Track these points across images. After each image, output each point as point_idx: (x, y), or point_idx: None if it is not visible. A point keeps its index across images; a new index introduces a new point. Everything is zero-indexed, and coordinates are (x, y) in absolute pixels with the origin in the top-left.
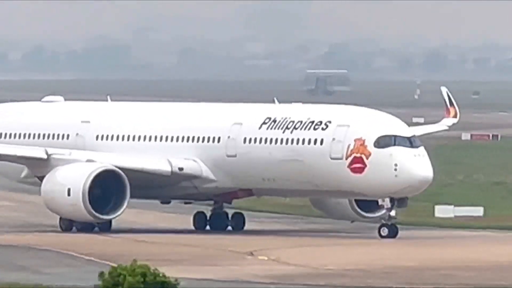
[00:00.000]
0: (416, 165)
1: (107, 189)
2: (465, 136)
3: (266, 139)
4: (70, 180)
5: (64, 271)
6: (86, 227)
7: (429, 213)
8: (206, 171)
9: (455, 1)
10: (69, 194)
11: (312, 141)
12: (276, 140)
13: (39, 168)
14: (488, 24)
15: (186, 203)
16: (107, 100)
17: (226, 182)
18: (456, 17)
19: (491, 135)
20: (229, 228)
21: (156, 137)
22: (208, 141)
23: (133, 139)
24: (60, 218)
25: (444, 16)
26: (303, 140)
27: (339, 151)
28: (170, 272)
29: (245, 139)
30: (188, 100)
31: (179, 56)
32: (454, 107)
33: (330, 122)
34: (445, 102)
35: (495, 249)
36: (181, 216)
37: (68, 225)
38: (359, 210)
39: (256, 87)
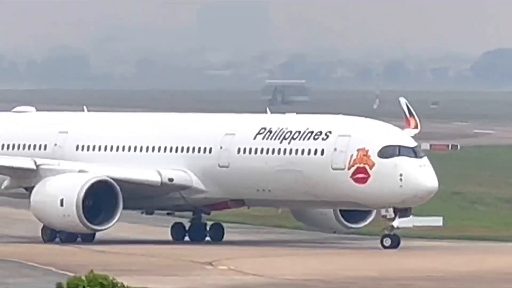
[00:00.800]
0: (422, 175)
1: (98, 199)
2: (424, 146)
3: (262, 149)
4: (63, 190)
5: (23, 281)
6: (70, 238)
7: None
8: (196, 182)
9: (414, 11)
10: (62, 205)
11: (312, 151)
12: (273, 150)
13: (26, 178)
14: (446, 34)
15: (168, 214)
16: (82, 111)
17: (216, 192)
18: (415, 28)
19: (450, 145)
20: (208, 238)
21: (143, 148)
22: (199, 151)
23: (118, 150)
24: (43, 229)
25: (402, 26)
26: (302, 150)
27: (341, 161)
28: (129, 282)
29: (239, 149)
30: (148, 110)
31: (137, 66)
32: (414, 118)
33: (330, 132)
34: (405, 112)
35: (454, 259)
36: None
37: (50, 235)
38: (343, 221)
39: (216, 97)
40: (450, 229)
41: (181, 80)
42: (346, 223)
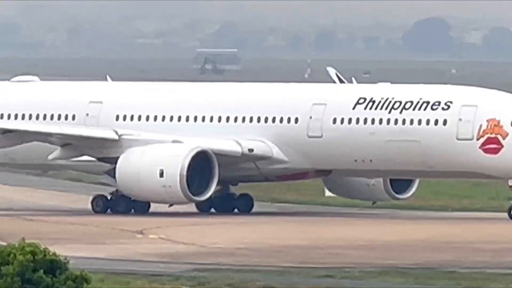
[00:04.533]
0: None
1: (192, 170)
2: None
3: (365, 119)
4: (163, 161)
5: None
6: (125, 210)
7: (319, 192)
8: (277, 152)
9: None
10: (161, 176)
11: (432, 122)
12: (381, 120)
13: (102, 148)
14: (377, 3)
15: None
16: (106, 80)
17: (300, 163)
18: None
19: None
20: (236, 210)
21: (214, 118)
22: (281, 121)
23: (181, 120)
24: (94, 199)
25: None
26: (419, 120)
27: (468, 131)
28: (60, 250)
29: (334, 119)
30: (81, 78)
31: (68, 34)
32: None
33: (451, 102)
34: (334, 82)
35: (384, 228)
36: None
37: (103, 207)
38: (392, 191)
39: (147, 66)
40: None
41: (112, 49)
42: (394, 193)
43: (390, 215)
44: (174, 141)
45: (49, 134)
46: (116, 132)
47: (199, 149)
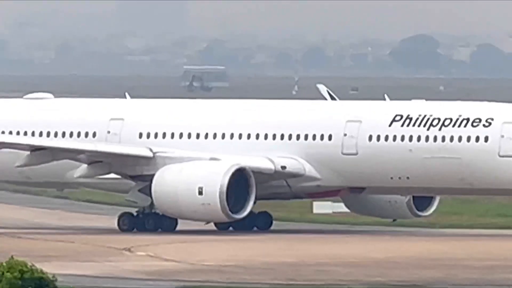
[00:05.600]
0: None
1: (229, 188)
2: None
3: (402, 137)
4: (202, 178)
5: None
6: (154, 227)
7: (307, 209)
8: (309, 169)
9: None
10: (200, 193)
11: (473, 138)
12: (419, 137)
13: (135, 166)
14: (365, 20)
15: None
16: (125, 97)
17: (332, 180)
18: (334, 14)
19: None
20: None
21: (244, 135)
22: (314, 138)
23: (207, 137)
24: (120, 217)
25: (322, 12)
26: (460, 137)
27: (511, 148)
28: (48, 268)
29: (370, 136)
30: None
31: (57, 51)
32: None
33: (492, 119)
34: (326, 99)
35: (373, 245)
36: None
37: (129, 225)
38: (414, 208)
39: (136, 83)
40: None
41: (100, 66)
42: (416, 211)
43: (378, 232)
44: (211, 159)
45: (82, 151)
46: (151, 150)
47: (238, 166)
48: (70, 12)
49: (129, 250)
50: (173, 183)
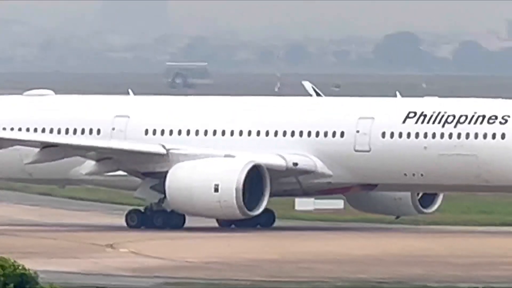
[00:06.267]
0: None
1: (244, 185)
2: None
3: (417, 134)
4: (218, 175)
5: None
6: (162, 224)
7: (289, 206)
8: (321, 166)
9: None
10: (216, 191)
11: (489, 136)
12: (434, 134)
13: (151, 164)
14: (348, 17)
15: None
16: (128, 94)
17: (344, 177)
18: (316, 10)
19: None
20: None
21: (253, 132)
22: (325, 135)
23: (216, 134)
24: (128, 213)
25: (304, 9)
26: (476, 134)
27: None
28: (30, 264)
29: (383, 133)
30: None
31: (39, 48)
32: None
33: (509, 116)
34: (311, 96)
35: (355, 242)
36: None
37: (138, 221)
38: (419, 206)
39: (118, 80)
40: (350, 212)
41: (83, 63)
42: (421, 208)
43: (360, 230)
44: (226, 156)
45: (95, 148)
46: (164, 147)
47: (253, 163)
48: (53, 10)
49: (111, 246)
50: (188, 180)
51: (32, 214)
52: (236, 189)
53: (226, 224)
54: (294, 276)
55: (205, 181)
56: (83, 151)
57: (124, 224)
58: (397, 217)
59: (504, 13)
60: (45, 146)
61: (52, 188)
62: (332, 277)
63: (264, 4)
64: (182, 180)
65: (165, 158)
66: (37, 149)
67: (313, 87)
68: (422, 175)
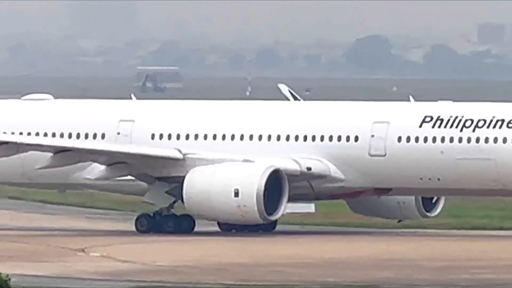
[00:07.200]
0: None
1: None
2: None
3: (434, 138)
4: (238, 180)
5: None
6: (173, 228)
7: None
8: (334, 171)
9: None
10: (236, 195)
11: (509, 140)
12: (451, 138)
13: (166, 168)
14: (318, 21)
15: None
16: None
17: (357, 181)
18: (287, 14)
19: None
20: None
21: (264, 137)
22: (340, 140)
23: (226, 139)
24: (138, 218)
25: (275, 12)
26: (495, 138)
27: None
28: (1, 268)
29: (399, 138)
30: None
31: (9, 52)
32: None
33: None
34: (288, 99)
35: (326, 246)
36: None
37: (147, 226)
38: (423, 209)
39: (89, 84)
40: (321, 215)
41: (54, 66)
42: (424, 211)
43: (331, 233)
44: (244, 160)
45: (111, 153)
46: (180, 151)
47: (273, 168)
48: (23, 13)
49: (83, 250)
50: (206, 184)
51: (3, 218)
52: (257, 194)
53: (227, 229)
54: (264, 280)
55: (225, 186)
56: (96, 155)
57: (103, 228)
58: (399, 221)
59: (475, 17)
60: (59, 151)
61: (23, 192)
62: (302, 281)
63: (235, 8)
64: (200, 184)
65: (181, 162)
66: (46, 154)
67: (289, 90)
68: (438, 179)
